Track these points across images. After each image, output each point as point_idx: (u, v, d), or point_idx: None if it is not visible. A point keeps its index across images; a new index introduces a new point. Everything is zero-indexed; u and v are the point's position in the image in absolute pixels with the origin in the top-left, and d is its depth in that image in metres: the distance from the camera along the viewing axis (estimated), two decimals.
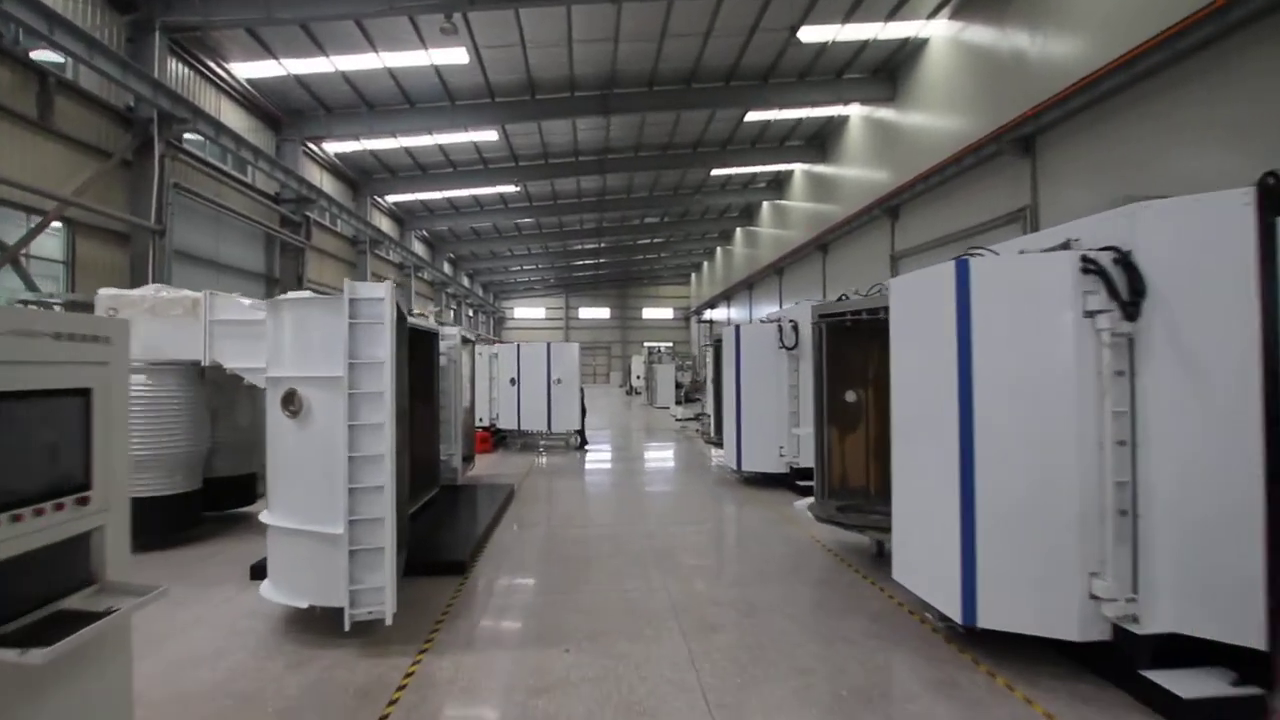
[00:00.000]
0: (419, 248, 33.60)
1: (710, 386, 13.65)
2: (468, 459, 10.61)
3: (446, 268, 38.47)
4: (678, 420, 20.73)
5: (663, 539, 7.10)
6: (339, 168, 23.52)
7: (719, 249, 45.51)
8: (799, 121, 24.12)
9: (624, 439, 16.41)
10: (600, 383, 55.52)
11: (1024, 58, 14.77)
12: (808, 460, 9.42)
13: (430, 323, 8.51)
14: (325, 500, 4.29)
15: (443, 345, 9.00)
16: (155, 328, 6.68)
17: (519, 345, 13.58)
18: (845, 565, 6.12)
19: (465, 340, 10.01)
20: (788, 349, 9.53)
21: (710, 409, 14.61)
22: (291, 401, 4.40)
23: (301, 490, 4.46)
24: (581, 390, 14.10)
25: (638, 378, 32.10)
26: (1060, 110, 13.12)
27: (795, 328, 9.54)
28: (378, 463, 4.31)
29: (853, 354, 6.67)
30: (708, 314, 48.19)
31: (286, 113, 19.43)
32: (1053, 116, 13.42)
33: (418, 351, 8.58)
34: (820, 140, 26.12)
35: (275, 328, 4.64)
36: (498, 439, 14.46)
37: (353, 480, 4.27)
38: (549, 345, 13.44)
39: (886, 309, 5.90)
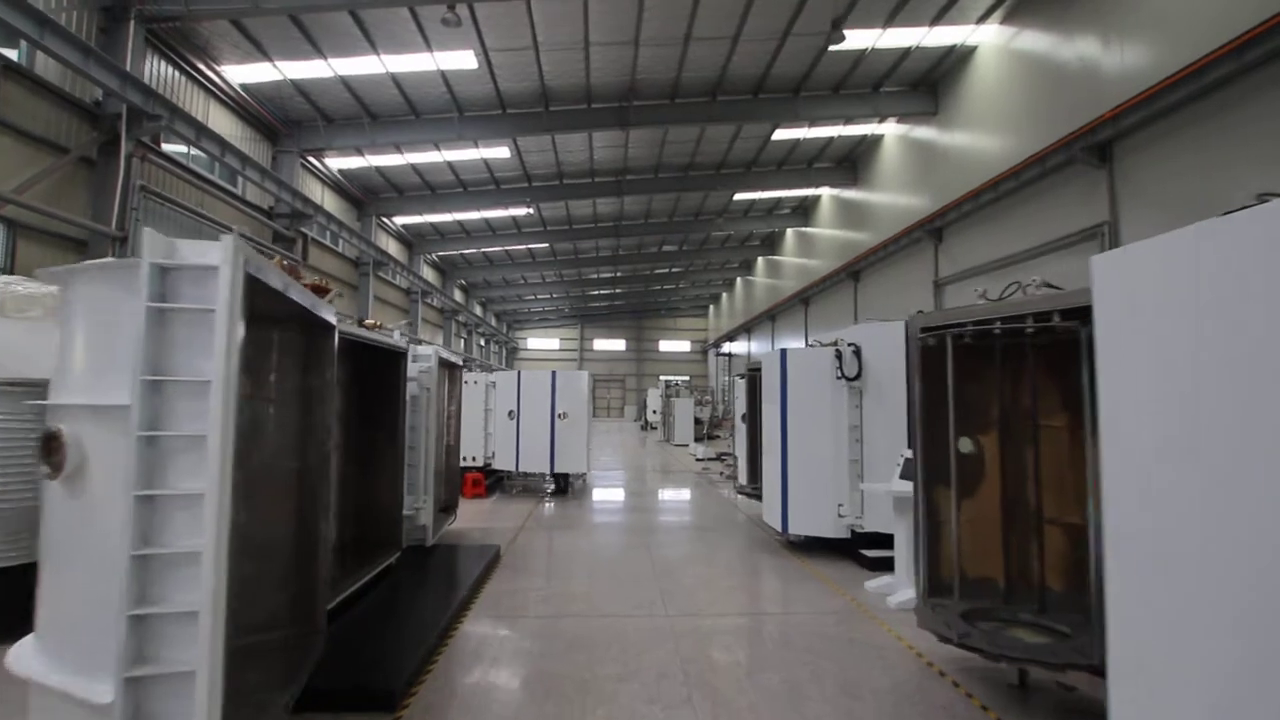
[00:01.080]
0: (428, 273, 32.13)
1: (741, 425, 11.59)
2: (447, 509, 8.57)
3: (457, 295, 36.97)
4: (698, 460, 18.57)
5: (694, 644, 4.95)
6: (342, 185, 22.13)
7: (739, 279, 43.71)
8: (830, 141, 22.42)
9: (638, 482, 14.26)
10: (614, 417, 53.37)
11: (1091, 63, 13.03)
12: (876, 523, 7.26)
13: (394, 338, 6.57)
14: (94, 635, 2.29)
15: (413, 369, 7.06)
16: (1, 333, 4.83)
17: (520, 373, 11.66)
18: (985, 713, 3.95)
19: (447, 364, 8.06)
20: (848, 380, 7.47)
21: (740, 450, 12.48)
22: (52, 450, 2.44)
23: (62, 612, 2.47)
24: None
25: (654, 412, 30.02)
26: (1146, 110, 11.25)
27: (857, 353, 7.50)
28: (189, 568, 2.30)
29: (970, 385, 4.60)
30: (726, 347, 46.15)
31: (284, 123, 18.06)
32: (1137, 118, 11.53)
33: (377, 375, 6.64)
34: (851, 162, 24.37)
35: (64, 321, 2.72)
36: (493, 481, 12.40)
37: (142, 598, 2.28)
38: (554, 374, 11.49)
39: (1035, 317, 3.86)
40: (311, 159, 20.21)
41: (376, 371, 6.66)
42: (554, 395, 11.31)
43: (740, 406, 12.79)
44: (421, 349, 7.23)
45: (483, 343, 43.37)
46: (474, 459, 11.80)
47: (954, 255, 18.31)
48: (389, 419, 6.68)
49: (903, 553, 6.00)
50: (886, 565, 7.08)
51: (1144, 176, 12.07)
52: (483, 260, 34.31)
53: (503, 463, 11.68)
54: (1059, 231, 14.01)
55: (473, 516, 9.98)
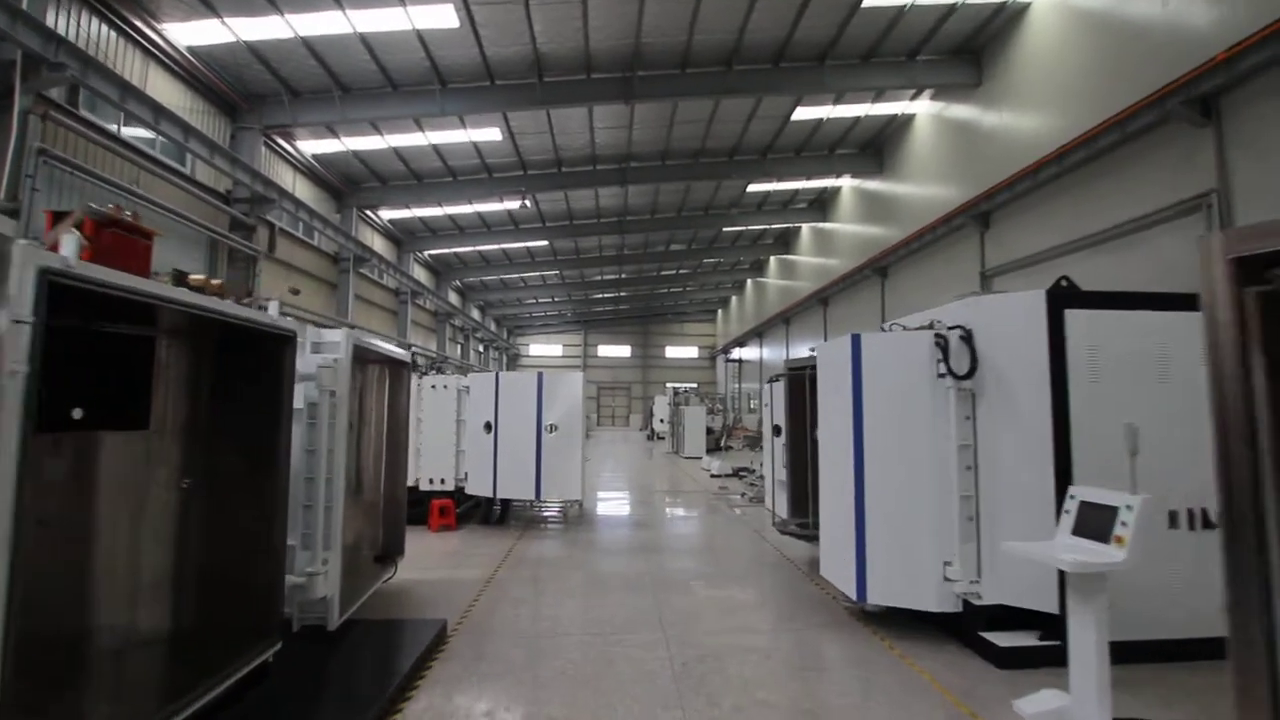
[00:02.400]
0: (419, 273, 29.84)
1: (775, 440, 9.18)
2: (384, 558, 6.16)
3: (453, 297, 34.67)
4: (713, 477, 16.11)
5: None
6: (317, 172, 19.86)
7: (749, 281, 41.30)
8: (855, 122, 20.04)
9: (645, 508, 11.77)
10: (619, 425, 50.89)
11: (1179, 11, 10.85)
12: (1004, 592, 4.80)
13: (272, 314, 4.17)
14: None
15: (308, 363, 4.67)
16: None
17: (497, 375, 9.25)
18: None
19: (378, 359, 5.66)
20: (957, 378, 5.03)
21: (770, 469, 10.02)
22: None
23: None
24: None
25: (661, 421, 27.55)
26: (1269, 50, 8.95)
27: (968, 339, 5.07)
28: None
29: None
30: (736, 353, 43.70)
31: (243, 96, 15.79)
32: (1260, 59, 9.17)
33: (246, 371, 4.26)
34: (877, 148, 21.98)
35: None
36: (469, 508, 9.96)
37: None
38: (540, 376, 9.06)
39: None
40: (280, 141, 17.96)
41: (245, 365, 4.28)
42: (540, 402, 8.91)
43: (772, 416, 10.34)
44: (328, 333, 4.83)
45: (481, 349, 41.07)
46: (442, 482, 9.38)
47: (1005, 242, 15.87)
48: (264, 437, 4.28)
49: (1089, 660, 3.52)
50: (1028, 660, 4.59)
51: (1267, 133, 9.65)
52: (479, 260, 32.02)
53: (478, 486, 9.25)
54: (1147, 206, 11.59)
55: (430, 560, 7.55)
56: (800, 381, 7.71)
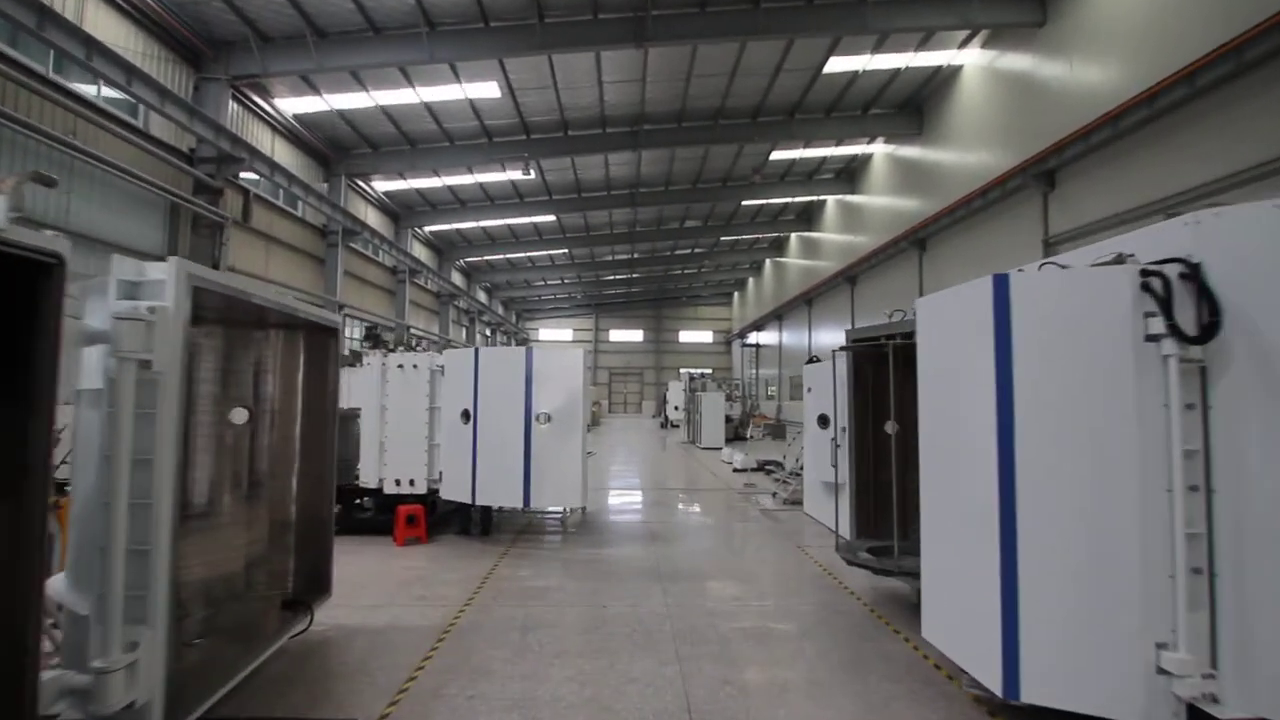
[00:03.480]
0: (420, 251, 28.00)
1: (831, 433, 7.23)
2: (297, 603, 4.31)
3: (457, 278, 32.85)
4: (736, 471, 14.19)
5: None
6: (300, 135, 17.97)
7: (768, 261, 39.07)
8: (895, 75, 17.77)
9: (661, 512, 9.86)
10: (631, 412, 49.08)
11: None
12: (1266, 696, 2.81)
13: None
14: None
15: (99, 314, 2.77)
16: None
17: (477, 351, 7.33)
18: None
19: (242, 309, 3.77)
20: (1183, 340, 3.04)
21: (821, 470, 8.10)
22: None
23: None
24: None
25: (676, 408, 25.65)
26: None
27: (1195, 277, 3.08)
28: None
29: None
30: (753, 337, 41.61)
31: (207, 41, 13.86)
32: None
33: None
34: (916, 107, 19.69)
35: None
36: (438, 515, 8.11)
37: None
38: (529, 353, 7.08)
39: None
40: (256, 98, 16.06)
41: None
42: (530, 385, 7.00)
43: (810, 403, 8.37)
44: (151, 269, 2.92)
45: (489, 332, 39.31)
46: (411, 484, 7.55)
47: (1073, 204, 13.67)
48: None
49: None
50: None
51: None
52: (482, 237, 30.10)
53: (453, 490, 7.39)
54: (1270, 151, 9.48)
55: (380, 590, 5.71)
56: (871, 357, 5.73)
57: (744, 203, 27.44)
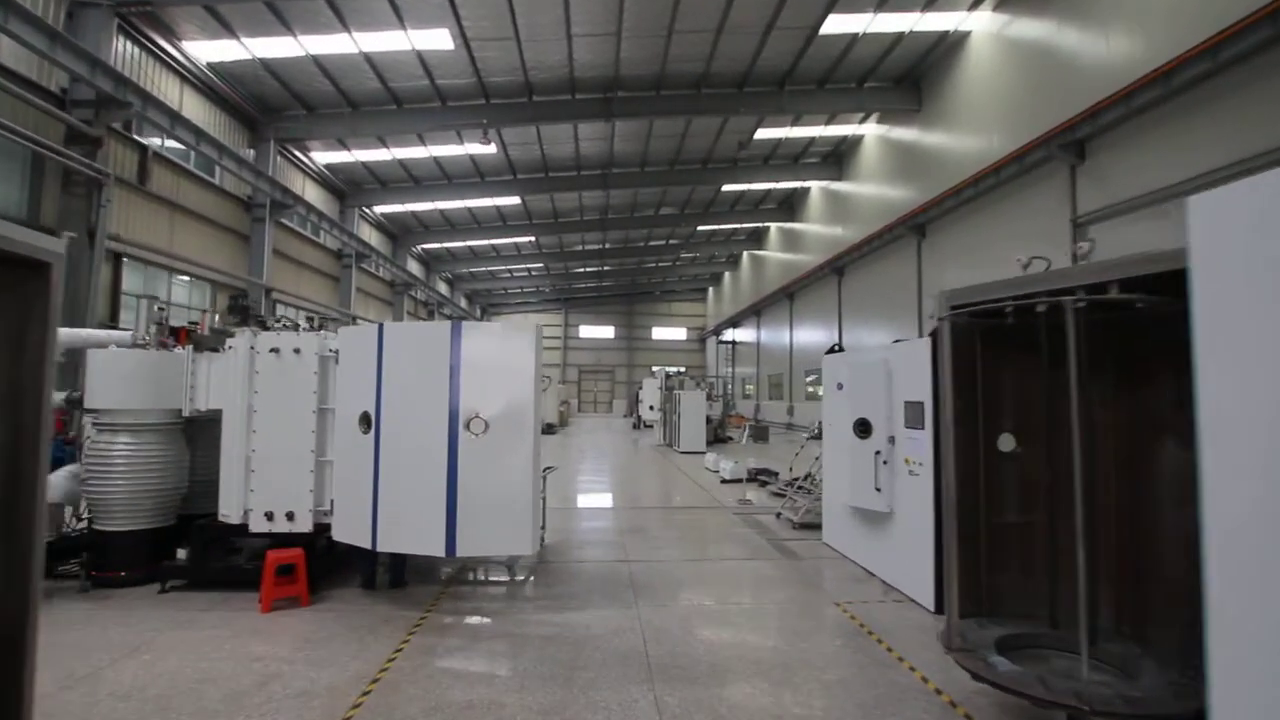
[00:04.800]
0: (370, 234, 25.31)
1: (859, 442, 5.18)
2: None
3: (414, 267, 30.16)
4: (725, 482, 12.10)
5: None
6: (221, 92, 15.23)
7: (745, 255, 37.25)
8: (896, 42, 15.94)
9: (642, 544, 7.63)
10: (601, 411, 46.80)
11: None
12: None
13: None
14: None
15: None
16: None
17: (381, 329, 5.06)
18: None
19: None
20: None
21: (860, 492, 6.04)
22: None
23: None
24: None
25: (651, 408, 23.54)
26: None
27: None
28: None
29: None
30: (729, 334, 39.75)
31: None
32: None
33: None
34: (914, 80, 17.91)
35: None
36: (336, 559, 5.74)
37: None
38: (455, 330, 4.81)
39: None
40: (158, 39, 13.33)
41: None
42: (455, 378, 4.74)
43: (847, 404, 6.30)
44: None
45: None
46: (289, 518, 5.23)
47: (1110, 178, 11.94)
48: None
49: None
50: None
51: None
52: (441, 223, 27.49)
53: (349, 527, 5.09)
54: None
55: (182, 714, 3.43)
56: (985, 336, 3.64)
57: (724, 188, 25.45)
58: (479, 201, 24.53)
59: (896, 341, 6.25)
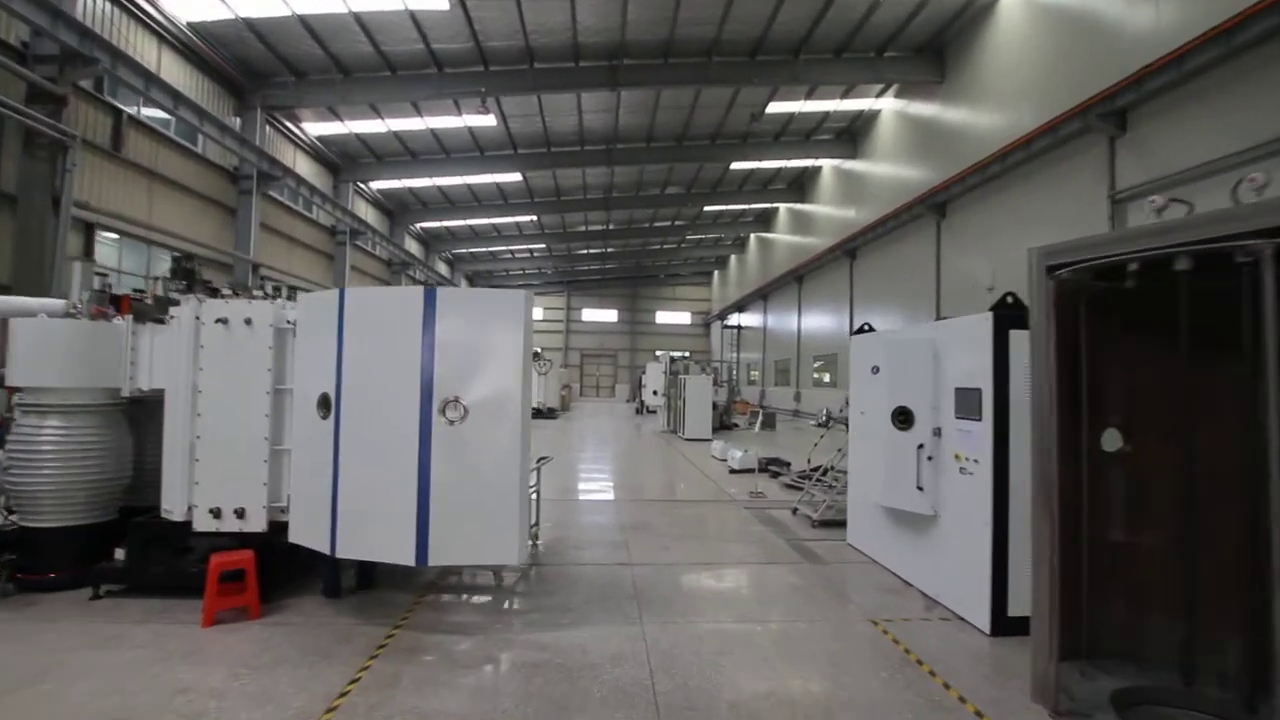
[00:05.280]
0: (366, 211, 24.44)
1: (898, 433, 4.44)
2: None
3: (413, 246, 29.31)
4: (734, 472, 11.37)
5: None
6: (199, 49, 14.29)
7: (752, 237, 36.27)
8: (920, 8, 14.94)
9: (647, 542, 6.88)
10: (604, 396, 46.10)
11: None
12: None
13: None
14: None
15: None
16: None
17: (342, 293, 4.31)
18: None
19: None
20: None
21: (897, 490, 5.27)
22: None
23: None
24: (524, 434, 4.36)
25: (655, 393, 22.79)
26: None
27: None
28: None
29: None
30: (734, 319, 38.89)
31: None
32: None
33: None
34: (937, 50, 16.89)
35: None
36: (285, 568, 4.97)
37: None
38: (429, 296, 4.05)
39: None
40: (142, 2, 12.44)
41: None
42: (430, 353, 3.96)
43: (882, 390, 5.53)
44: None
45: None
46: (239, 515, 4.49)
47: (1151, 152, 11.02)
48: None
49: None
50: None
51: None
52: (440, 200, 26.59)
53: (307, 527, 4.36)
54: None
55: None
56: (1090, 305, 2.85)
57: (733, 166, 24.46)
58: (479, 178, 23.63)
59: (940, 320, 5.44)
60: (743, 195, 28.23)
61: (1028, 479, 3.14)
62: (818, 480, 8.43)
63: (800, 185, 27.79)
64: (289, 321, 4.66)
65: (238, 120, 15.92)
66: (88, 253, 11.67)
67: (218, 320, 4.59)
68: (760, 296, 33.29)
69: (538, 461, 6.43)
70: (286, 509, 4.62)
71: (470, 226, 30.66)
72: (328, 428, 4.21)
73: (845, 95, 19.48)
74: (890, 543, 5.62)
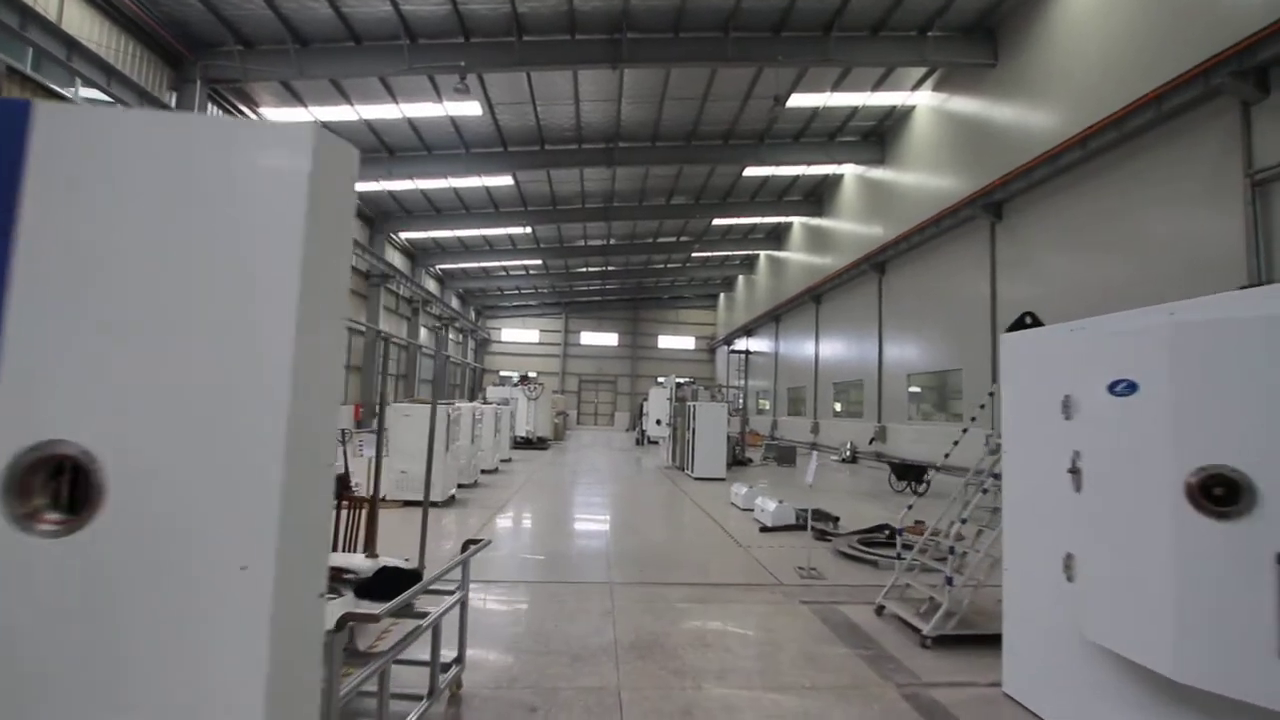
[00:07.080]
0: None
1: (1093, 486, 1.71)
2: None
3: (396, 259, 26.81)
4: (765, 530, 8.42)
5: None
6: (126, 9, 11.92)
7: (762, 255, 33.81)
8: None
9: (659, 687, 4.01)
10: (603, 424, 43.18)
11: None
12: None
13: None
14: None
15: None
16: None
17: None
18: None
19: None
20: None
21: (1138, 583, 2.36)
22: None
23: None
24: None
25: (658, 422, 19.99)
26: None
27: None
28: None
29: None
30: (742, 343, 36.20)
31: None
32: None
33: None
34: (987, 29, 14.51)
35: None
36: None
37: None
38: (20, 106, 1.70)
39: None
40: None
41: None
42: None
43: (1046, 421, 2.68)
44: None
45: (439, 327, 33.09)
46: None
47: None
48: None
49: None
50: None
51: None
52: (423, 206, 24.14)
53: None
54: None
55: None
56: None
57: (746, 171, 22.07)
58: (466, 181, 21.20)
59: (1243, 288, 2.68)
60: (755, 207, 25.80)
61: None
62: (913, 558, 5.55)
63: (818, 197, 25.38)
64: None
65: (174, 94, 13.46)
66: None
67: None
68: (772, 319, 30.66)
69: (472, 547, 3.63)
70: None
71: (459, 238, 28.22)
72: None
73: (877, 86, 17.12)
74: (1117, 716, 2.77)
